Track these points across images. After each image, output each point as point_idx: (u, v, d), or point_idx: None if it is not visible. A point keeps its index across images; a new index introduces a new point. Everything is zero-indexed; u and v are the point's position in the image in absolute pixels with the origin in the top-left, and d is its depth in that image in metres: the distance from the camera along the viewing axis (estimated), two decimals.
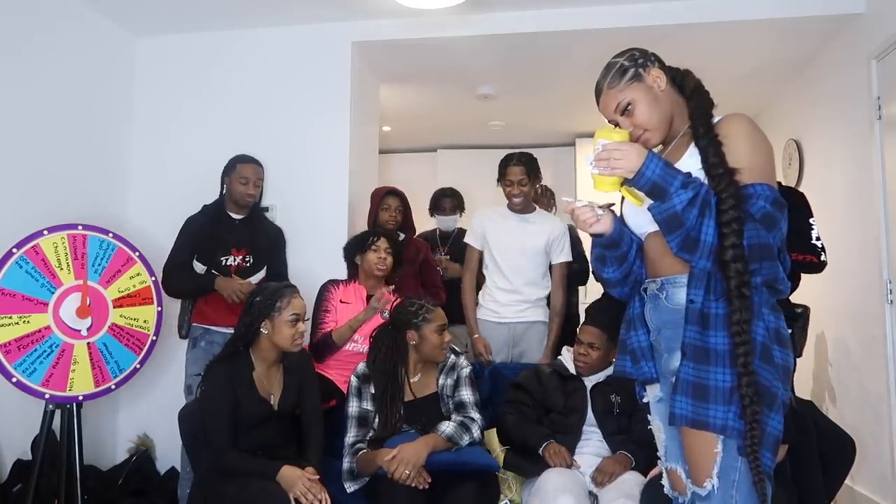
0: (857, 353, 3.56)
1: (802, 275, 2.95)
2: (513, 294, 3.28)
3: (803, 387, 3.93)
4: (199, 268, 3.12)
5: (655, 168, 1.49)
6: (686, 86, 1.70)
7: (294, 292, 2.52)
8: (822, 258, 2.83)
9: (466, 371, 2.62)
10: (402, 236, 3.41)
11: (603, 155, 1.53)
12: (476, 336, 3.30)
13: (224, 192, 3.23)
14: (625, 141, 1.56)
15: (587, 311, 2.86)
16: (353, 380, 2.58)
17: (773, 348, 1.52)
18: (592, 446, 2.55)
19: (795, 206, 2.89)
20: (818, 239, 2.85)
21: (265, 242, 3.24)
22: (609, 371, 2.63)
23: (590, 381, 2.66)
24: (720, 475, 1.51)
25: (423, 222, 4.12)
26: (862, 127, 3.45)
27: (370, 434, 2.50)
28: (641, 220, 1.66)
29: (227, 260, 3.11)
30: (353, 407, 2.55)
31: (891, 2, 3.17)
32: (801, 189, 3.86)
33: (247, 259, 3.17)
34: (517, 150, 3.38)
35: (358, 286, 3.07)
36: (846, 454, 2.47)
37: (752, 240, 1.47)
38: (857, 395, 3.54)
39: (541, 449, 2.50)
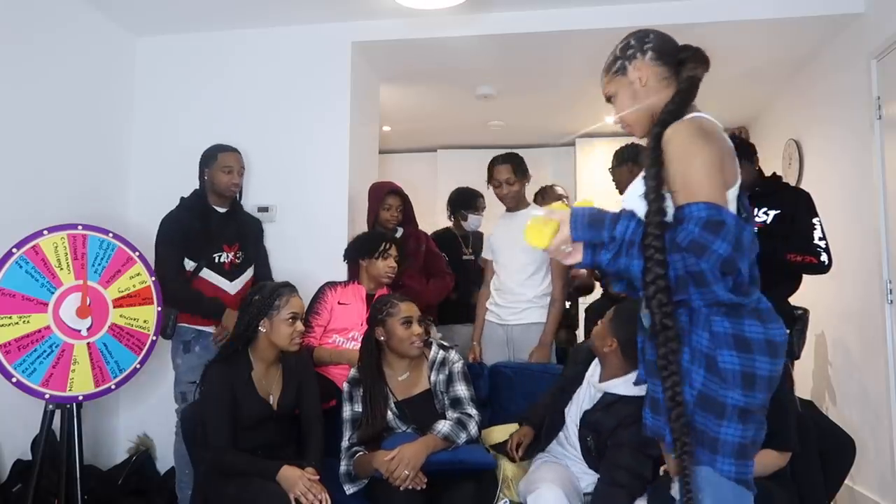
0: (857, 353, 3.56)
1: (804, 276, 2.95)
2: (508, 295, 3.28)
3: (803, 387, 3.93)
4: (190, 265, 3.05)
5: (584, 235, 1.50)
6: (681, 78, 1.64)
7: (292, 291, 2.52)
8: (822, 258, 2.82)
9: (458, 366, 2.58)
10: (399, 231, 3.42)
11: (553, 253, 1.56)
12: (474, 343, 3.37)
13: (205, 184, 3.14)
14: (557, 232, 1.54)
15: (586, 310, 2.83)
16: (346, 386, 2.59)
17: (722, 353, 1.46)
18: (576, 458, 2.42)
19: (800, 206, 2.91)
20: (821, 239, 2.83)
21: (251, 235, 3.21)
22: (608, 387, 2.37)
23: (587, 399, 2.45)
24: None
25: (423, 223, 4.11)
26: (862, 127, 3.45)
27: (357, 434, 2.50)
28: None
29: (220, 257, 3.08)
30: (346, 411, 2.55)
31: (891, 2, 3.16)
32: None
33: (238, 255, 3.13)
34: (503, 152, 3.41)
35: (357, 286, 3.07)
36: (846, 454, 2.46)
37: (678, 270, 1.41)
38: (857, 395, 3.54)
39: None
